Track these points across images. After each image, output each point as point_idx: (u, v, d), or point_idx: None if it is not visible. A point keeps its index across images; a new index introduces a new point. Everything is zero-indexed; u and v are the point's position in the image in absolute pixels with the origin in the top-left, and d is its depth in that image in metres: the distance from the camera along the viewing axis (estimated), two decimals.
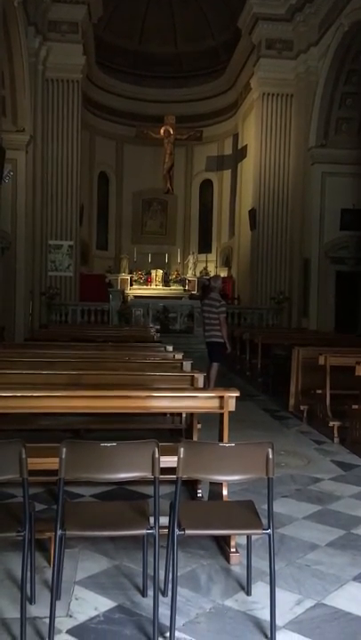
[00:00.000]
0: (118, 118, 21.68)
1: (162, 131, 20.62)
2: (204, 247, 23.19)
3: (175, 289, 20.52)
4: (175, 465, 2.71)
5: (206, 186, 23.52)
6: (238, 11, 17.78)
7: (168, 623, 2.59)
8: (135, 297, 18.70)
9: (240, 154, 20.29)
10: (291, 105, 16.85)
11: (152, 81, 21.77)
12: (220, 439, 3.66)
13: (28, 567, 2.76)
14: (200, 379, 4.70)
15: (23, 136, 14.80)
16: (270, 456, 2.72)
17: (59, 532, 2.62)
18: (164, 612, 2.67)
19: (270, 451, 2.73)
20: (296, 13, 16.08)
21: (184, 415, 5.02)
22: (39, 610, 2.79)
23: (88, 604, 2.87)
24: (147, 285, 20.60)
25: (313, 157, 15.70)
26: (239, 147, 20.54)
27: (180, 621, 2.71)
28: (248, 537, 3.11)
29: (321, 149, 15.61)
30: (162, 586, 2.99)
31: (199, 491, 4.31)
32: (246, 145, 19.36)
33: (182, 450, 2.70)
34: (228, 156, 22.16)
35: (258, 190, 17.12)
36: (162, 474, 2.72)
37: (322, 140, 15.61)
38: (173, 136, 20.72)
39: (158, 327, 14.25)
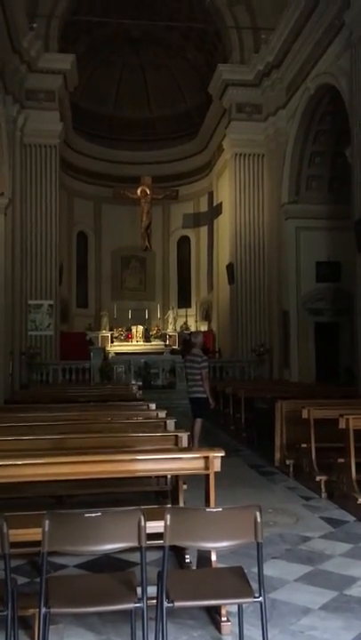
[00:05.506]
0: (95, 180, 22.16)
1: (139, 191, 21.13)
2: (184, 302, 23.40)
3: (156, 344, 20.54)
4: (162, 530, 2.66)
5: (184, 242, 23.93)
6: (209, 75, 18.62)
7: None
8: (116, 354, 18.65)
9: (215, 211, 20.79)
10: (262, 164, 17.45)
11: (127, 144, 22.46)
12: (207, 503, 3.60)
13: None
14: (184, 438, 4.67)
15: (2, 199, 15.01)
16: (258, 520, 2.68)
17: (43, 610, 2.53)
18: None
19: (258, 514, 2.69)
20: (264, 79, 16.89)
21: (169, 476, 4.94)
22: None
23: None
24: (127, 342, 20.60)
25: (286, 213, 16.13)
26: (214, 204, 21.06)
27: None
28: (239, 605, 3.02)
29: (294, 205, 16.05)
30: None
31: (187, 556, 4.20)
32: (221, 202, 19.88)
33: (168, 517, 2.65)
34: (203, 213, 22.69)
35: (234, 245, 17.48)
36: (148, 539, 2.66)
37: (294, 197, 16.08)
38: (150, 196, 21.22)
39: (140, 383, 14.17)
